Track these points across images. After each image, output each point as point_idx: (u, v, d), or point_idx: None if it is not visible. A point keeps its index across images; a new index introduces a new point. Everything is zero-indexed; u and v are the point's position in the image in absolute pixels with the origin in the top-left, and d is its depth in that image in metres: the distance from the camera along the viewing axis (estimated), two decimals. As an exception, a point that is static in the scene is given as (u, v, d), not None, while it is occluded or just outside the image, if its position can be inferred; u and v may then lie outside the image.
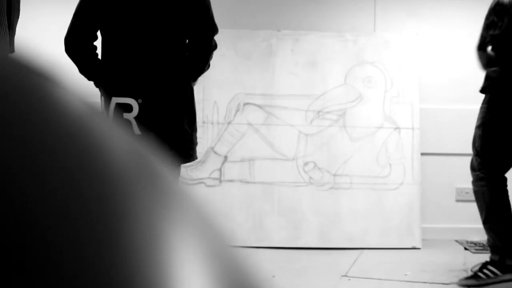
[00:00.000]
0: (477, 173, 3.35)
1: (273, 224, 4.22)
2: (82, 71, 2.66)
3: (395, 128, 4.28)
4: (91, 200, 0.20)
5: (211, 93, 4.34)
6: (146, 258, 0.19)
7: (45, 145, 0.20)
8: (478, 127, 3.35)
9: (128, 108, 2.46)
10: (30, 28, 4.65)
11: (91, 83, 2.73)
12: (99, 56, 2.64)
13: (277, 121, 4.31)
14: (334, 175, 4.26)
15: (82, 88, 0.25)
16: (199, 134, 4.36)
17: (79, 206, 0.19)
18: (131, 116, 2.45)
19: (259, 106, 4.33)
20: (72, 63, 2.75)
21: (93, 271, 0.18)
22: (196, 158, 2.68)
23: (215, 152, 4.30)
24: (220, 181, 4.28)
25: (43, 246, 0.18)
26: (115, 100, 2.48)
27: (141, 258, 0.19)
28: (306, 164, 4.28)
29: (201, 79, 4.40)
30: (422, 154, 4.38)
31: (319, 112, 4.30)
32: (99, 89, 2.58)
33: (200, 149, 4.33)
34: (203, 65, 2.76)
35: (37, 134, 0.20)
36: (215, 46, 2.86)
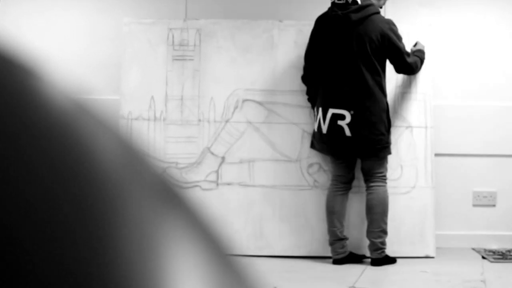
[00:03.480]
0: None
1: (275, 231, 4.22)
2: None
3: (407, 127, 4.28)
4: (80, 199, 0.20)
5: (207, 88, 4.34)
6: (139, 261, 0.19)
7: (29, 142, 0.20)
8: None
9: (342, 117, 3.84)
10: (21, 23, 4.65)
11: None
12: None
13: (279, 119, 4.31)
14: (341, 177, 4.26)
15: (68, 83, 0.25)
16: (196, 132, 4.37)
17: (69, 204, 0.19)
18: (344, 123, 3.85)
19: (259, 103, 4.33)
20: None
21: (86, 272, 0.18)
22: (390, 153, 3.99)
23: (212, 153, 4.30)
24: (217, 184, 4.28)
25: (37, 247, 0.18)
26: (332, 110, 3.87)
27: (134, 261, 0.19)
28: (310, 165, 4.28)
29: (197, 74, 4.41)
30: (436, 155, 4.38)
31: (324, 109, 4.30)
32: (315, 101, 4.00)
33: (195, 150, 4.34)
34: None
35: (20, 131, 0.20)
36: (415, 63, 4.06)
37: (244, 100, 4.33)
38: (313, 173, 4.27)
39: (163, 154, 4.28)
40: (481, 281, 3.59)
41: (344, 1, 3.87)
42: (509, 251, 4.31)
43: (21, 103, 0.22)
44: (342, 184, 4.01)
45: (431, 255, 4.17)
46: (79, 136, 0.22)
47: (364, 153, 3.93)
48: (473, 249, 4.40)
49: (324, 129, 3.92)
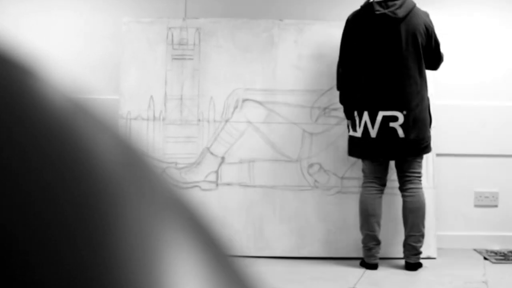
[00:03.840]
0: None
1: (275, 231, 4.22)
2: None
3: (408, 127, 4.28)
4: (79, 199, 0.20)
5: (206, 88, 4.34)
6: (138, 262, 0.19)
7: (28, 142, 0.20)
8: None
9: (394, 118, 3.76)
10: (19, 23, 4.65)
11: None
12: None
13: (279, 119, 4.31)
14: (342, 178, 4.26)
15: (67, 83, 0.25)
16: (195, 132, 4.37)
17: (68, 205, 0.19)
18: (397, 124, 3.76)
19: (259, 103, 4.33)
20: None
21: (85, 273, 0.18)
22: (431, 150, 3.96)
23: (211, 153, 4.30)
24: (217, 185, 4.28)
25: (35, 248, 0.18)
26: (382, 113, 3.77)
27: (133, 263, 0.19)
28: (310, 166, 4.28)
29: (196, 73, 4.41)
30: (438, 155, 4.38)
31: (325, 109, 4.30)
32: (356, 106, 3.87)
33: (195, 150, 4.34)
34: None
35: (19, 131, 0.20)
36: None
37: (244, 100, 4.33)
38: (313, 173, 4.27)
39: (162, 154, 4.28)
40: (483, 282, 3.59)
41: None
42: (511, 252, 4.31)
43: (19, 103, 0.22)
44: (380, 185, 3.92)
45: (433, 256, 4.17)
46: (78, 136, 0.22)
47: (413, 152, 3.84)
48: (475, 250, 4.40)
49: (373, 133, 3.79)
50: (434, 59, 3.91)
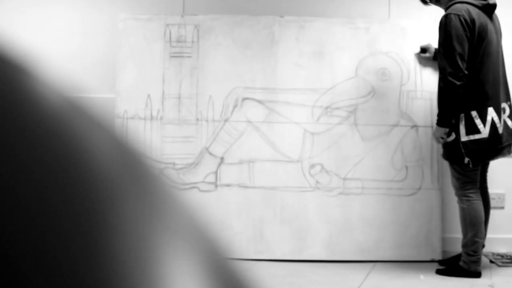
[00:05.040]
0: None
1: (275, 234, 4.23)
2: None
3: (412, 126, 4.28)
4: (74, 200, 0.20)
5: (205, 87, 4.34)
6: (134, 264, 0.19)
7: (21, 142, 0.20)
8: None
9: (504, 110, 3.76)
10: (13, 19, 4.65)
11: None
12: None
13: (280, 118, 4.31)
14: (344, 179, 4.27)
15: (62, 81, 0.25)
16: (194, 132, 4.37)
17: (63, 206, 0.19)
18: (505, 115, 3.76)
19: (259, 102, 4.33)
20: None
21: (80, 276, 0.18)
22: None
23: (210, 153, 4.30)
24: (216, 186, 4.28)
25: (29, 250, 0.18)
26: (503, 105, 3.76)
27: (129, 265, 0.19)
28: (312, 166, 4.28)
29: (195, 72, 4.42)
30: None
31: (327, 108, 4.30)
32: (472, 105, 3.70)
33: (193, 150, 4.34)
34: None
35: (12, 131, 0.20)
36: None
37: (244, 99, 4.33)
38: (315, 174, 4.27)
39: (159, 154, 4.28)
40: (489, 285, 3.59)
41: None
42: (518, 255, 4.32)
43: (13, 101, 0.22)
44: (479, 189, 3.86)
45: (438, 259, 4.17)
46: (73, 136, 0.22)
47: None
48: (481, 253, 4.39)
49: (501, 128, 3.72)
50: None
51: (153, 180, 0.24)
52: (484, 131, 3.66)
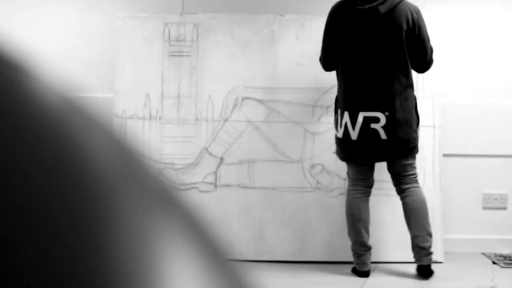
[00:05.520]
0: None
1: (276, 235, 4.23)
2: None
3: (414, 126, 4.28)
4: (73, 200, 0.20)
5: (205, 86, 4.34)
6: (133, 265, 0.19)
7: (20, 142, 0.20)
8: None
9: (376, 120, 3.69)
10: (11, 18, 4.65)
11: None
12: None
13: (280, 118, 4.31)
14: (345, 179, 4.26)
15: (60, 81, 0.25)
16: (193, 132, 4.37)
17: (61, 206, 0.19)
18: (379, 126, 3.69)
19: (259, 101, 4.33)
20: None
21: (78, 275, 0.18)
22: (418, 151, 3.87)
23: (210, 153, 4.30)
24: (216, 186, 4.28)
25: (27, 249, 0.18)
26: (363, 114, 3.69)
27: (128, 265, 0.19)
28: (313, 167, 4.28)
29: (194, 71, 4.41)
30: (445, 155, 4.38)
31: (327, 107, 4.31)
32: (338, 105, 3.83)
33: (193, 150, 4.34)
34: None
35: (11, 131, 0.20)
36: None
37: (244, 98, 4.33)
38: (315, 175, 4.27)
39: (158, 154, 4.28)
40: (492, 287, 3.59)
41: None
42: (520, 256, 4.32)
43: (11, 101, 0.22)
44: (365, 188, 3.84)
45: (439, 260, 4.17)
46: (72, 136, 0.22)
47: (399, 154, 3.75)
48: (483, 254, 4.40)
49: (354, 135, 3.71)
50: (420, 59, 3.76)
51: (152, 180, 0.24)
52: (340, 131, 3.79)
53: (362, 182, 3.84)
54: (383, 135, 3.68)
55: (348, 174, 3.91)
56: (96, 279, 0.18)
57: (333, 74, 4.32)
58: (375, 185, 4.26)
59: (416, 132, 3.79)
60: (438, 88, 4.33)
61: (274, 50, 4.35)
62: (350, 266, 3.96)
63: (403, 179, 3.82)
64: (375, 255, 4.16)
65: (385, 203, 4.23)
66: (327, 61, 3.83)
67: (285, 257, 4.18)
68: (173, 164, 4.28)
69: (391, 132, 3.68)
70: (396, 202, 4.16)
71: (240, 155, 4.29)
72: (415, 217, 3.75)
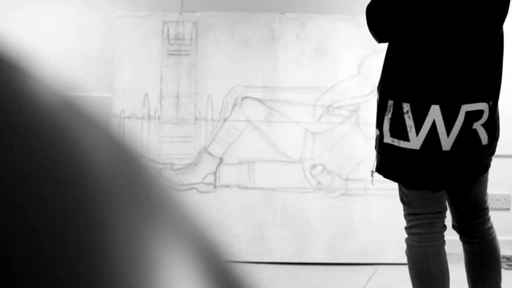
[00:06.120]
0: None
1: (276, 236, 4.23)
2: None
3: (416, 126, 4.28)
4: (69, 201, 0.20)
5: (204, 85, 4.34)
6: (131, 267, 0.19)
7: (16, 142, 0.20)
8: None
9: (478, 115, 2.42)
10: (9, 17, 4.65)
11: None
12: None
13: (280, 117, 4.31)
14: (346, 179, 4.27)
15: (57, 80, 0.25)
16: (192, 132, 4.37)
17: (58, 207, 0.19)
18: (479, 124, 2.42)
19: (259, 101, 4.33)
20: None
21: (75, 277, 0.18)
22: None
23: (209, 153, 4.30)
24: (215, 187, 4.28)
25: (23, 251, 0.18)
26: (465, 107, 2.38)
27: (125, 267, 0.19)
28: (313, 167, 4.29)
29: (193, 70, 4.42)
30: (447, 155, 4.38)
31: (328, 107, 4.31)
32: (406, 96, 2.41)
33: (192, 150, 4.34)
34: None
35: (6, 131, 0.20)
36: None
37: (244, 98, 4.33)
38: (316, 175, 4.27)
39: (157, 154, 4.28)
40: (495, 289, 3.59)
41: None
42: (524, 257, 4.32)
43: (7, 100, 0.22)
44: (442, 226, 2.65)
45: (442, 261, 4.17)
46: (69, 136, 0.22)
47: (485, 168, 2.54)
48: (486, 255, 4.39)
49: (448, 143, 2.39)
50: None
51: (150, 180, 0.24)
52: (416, 139, 2.40)
53: (440, 216, 2.62)
54: (484, 140, 2.44)
55: (406, 202, 2.68)
56: (93, 280, 0.18)
57: (333, 73, 4.31)
58: (376, 185, 4.27)
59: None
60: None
61: (274, 49, 4.35)
62: (351, 268, 3.97)
63: (479, 213, 2.61)
64: (376, 257, 4.16)
65: (386, 203, 4.23)
66: (387, 19, 2.41)
67: (285, 259, 4.18)
68: (172, 164, 4.28)
69: (492, 132, 2.49)
70: (397, 203, 4.16)
71: (240, 155, 4.29)
72: (492, 274, 2.72)
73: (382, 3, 2.39)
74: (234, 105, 4.33)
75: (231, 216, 4.23)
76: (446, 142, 2.37)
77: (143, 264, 0.20)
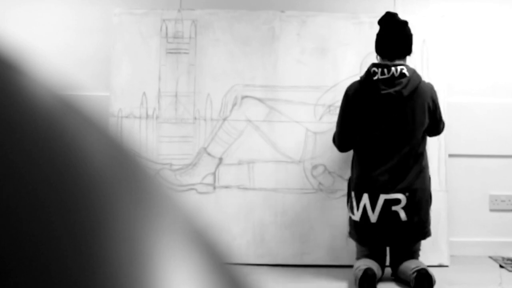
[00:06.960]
0: None
1: (276, 237, 4.23)
2: None
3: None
4: (67, 201, 0.20)
5: (203, 84, 4.34)
6: (129, 268, 0.19)
7: (12, 142, 0.20)
8: None
9: (397, 202, 3.67)
10: (6, 15, 4.65)
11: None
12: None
13: (281, 117, 4.31)
14: (347, 180, 4.27)
15: (54, 79, 0.25)
16: (191, 132, 4.37)
17: (55, 207, 0.19)
18: (399, 207, 3.67)
19: (259, 100, 4.33)
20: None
21: (72, 278, 0.18)
22: (431, 235, 3.86)
23: (208, 154, 4.30)
24: (214, 187, 4.28)
25: (19, 251, 0.18)
26: (384, 197, 3.67)
27: (123, 268, 0.19)
28: (314, 167, 4.28)
29: (192, 69, 4.42)
30: (450, 155, 4.38)
31: (329, 106, 4.31)
32: (354, 187, 3.79)
33: (191, 150, 4.34)
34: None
35: (3, 131, 0.20)
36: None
37: (243, 97, 4.33)
38: (317, 175, 4.27)
39: (155, 154, 4.28)
40: (499, 291, 3.59)
41: (389, 76, 3.65)
42: (528, 259, 4.32)
43: (3, 100, 0.22)
44: (380, 266, 3.76)
45: (445, 263, 4.17)
46: (66, 136, 0.22)
47: (417, 237, 3.73)
48: (490, 257, 4.40)
49: (374, 218, 3.67)
50: (434, 133, 3.85)
51: (148, 181, 0.24)
52: (357, 214, 3.73)
53: (374, 278, 3.57)
54: (403, 217, 3.66)
55: (358, 253, 3.85)
56: (91, 280, 0.18)
57: (334, 72, 4.32)
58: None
59: (429, 214, 3.78)
60: (443, 87, 4.33)
61: (274, 47, 4.35)
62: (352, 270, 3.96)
63: (408, 258, 3.76)
64: (378, 259, 4.16)
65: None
66: (344, 141, 3.83)
67: (285, 260, 4.18)
68: (171, 164, 4.28)
69: (411, 213, 3.66)
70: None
71: (240, 155, 4.29)
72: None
73: (342, 135, 3.84)
74: (234, 105, 4.33)
75: (231, 217, 4.23)
76: (373, 217, 3.67)
77: (140, 264, 0.20)
